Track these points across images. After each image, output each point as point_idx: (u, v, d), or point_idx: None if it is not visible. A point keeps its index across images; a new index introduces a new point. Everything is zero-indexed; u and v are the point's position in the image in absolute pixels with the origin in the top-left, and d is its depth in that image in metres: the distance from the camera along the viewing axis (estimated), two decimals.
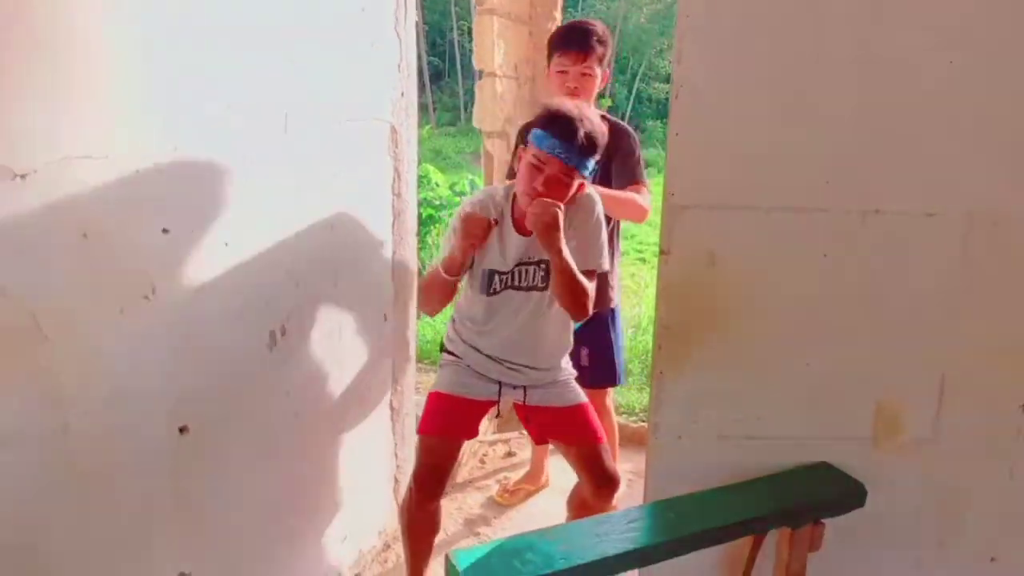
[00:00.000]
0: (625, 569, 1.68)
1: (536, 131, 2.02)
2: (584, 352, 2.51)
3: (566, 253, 2.01)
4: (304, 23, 1.83)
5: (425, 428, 2.18)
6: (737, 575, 1.92)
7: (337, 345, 2.07)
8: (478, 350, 2.20)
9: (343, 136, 2.02)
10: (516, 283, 2.14)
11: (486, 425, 3.31)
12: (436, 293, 2.17)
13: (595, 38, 2.42)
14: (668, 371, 1.92)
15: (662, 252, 1.85)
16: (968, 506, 2.03)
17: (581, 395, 2.25)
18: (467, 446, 3.14)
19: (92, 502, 1.39)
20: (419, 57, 2.75)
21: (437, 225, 7.38)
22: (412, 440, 2.53)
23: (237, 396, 1.75)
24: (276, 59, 1.74)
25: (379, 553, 2.47)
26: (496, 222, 2.12)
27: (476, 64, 3.00)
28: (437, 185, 8.10)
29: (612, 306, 2.65)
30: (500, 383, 2.20)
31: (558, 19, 3.22)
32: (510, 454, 3.26)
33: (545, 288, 2.13)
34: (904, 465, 1.99)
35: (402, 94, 2.22)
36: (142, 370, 1.45)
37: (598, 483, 2.15)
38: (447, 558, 1.48)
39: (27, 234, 1.24)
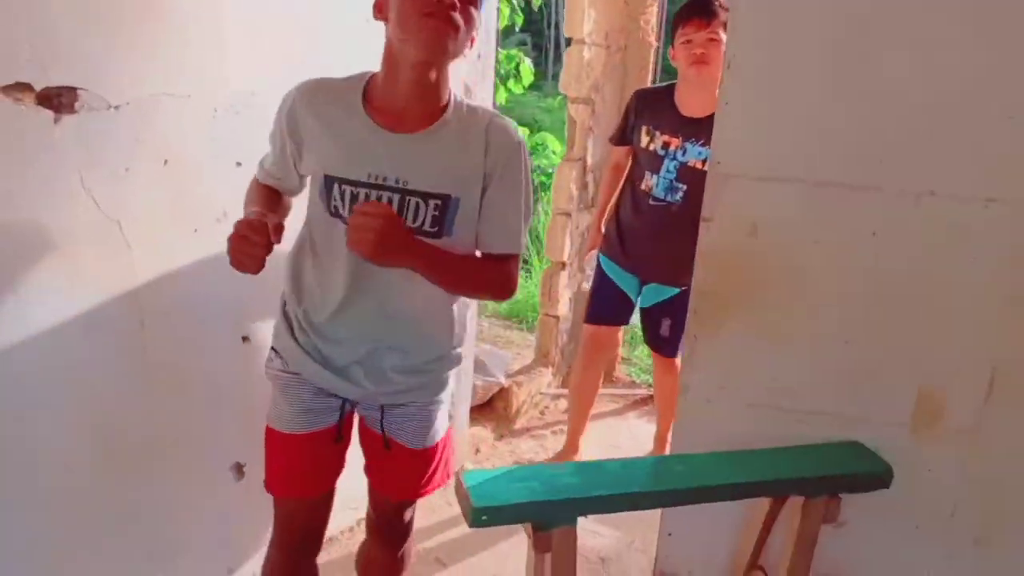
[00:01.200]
0: (621, 509, 1.73)
1: None
2: (666, 323, 2.58)
3: (426, 252, 1.41)
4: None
5: (274, 487, 1.59)
6: (755, 539, 1.94)
7: None
8: (310, 355, 1.52)
9: None
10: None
11: (548, 378, 3.39)
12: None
13: (717, 3, 2.34)
14: (702, 335, 1.93)
15: (703, 219, 1.86)
16: (1010, 505, 1.95)
17: (442, 429, 1.66)
18: (527, 398, 3.25)
19: (161, 391, 1.60)
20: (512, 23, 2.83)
21: (548, 193, 7.29)
22: (468, 378, 2.66)
23: None
24: (351, 18, 1.87)
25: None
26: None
27: (566, 31, 3.04)
28: (554, 153, 7.99)
29: None
30: (345, 401, 1.56)
31: None
32: None
33: (436, 234, 1.44)
34: (943, 455, 1.92)
35: (479, 56, 2.31)
36: (211, 284, 1.65)
37: (389, 539, 1.74)
38: (457, 475, 1.59)
39: (117, 156, 1.43)
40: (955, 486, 1.95)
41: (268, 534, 1.59)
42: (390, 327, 1.49)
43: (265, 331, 1.82)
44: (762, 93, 1.77)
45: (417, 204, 1.38)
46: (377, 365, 1.51)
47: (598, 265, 2.68)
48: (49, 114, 1.27)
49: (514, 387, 3.12)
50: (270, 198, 1.51)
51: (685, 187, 2.42)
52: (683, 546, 2.12)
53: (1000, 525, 1.97)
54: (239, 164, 1.65)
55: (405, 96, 1.36)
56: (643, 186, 2.48)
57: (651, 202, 2.46)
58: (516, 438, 3.01)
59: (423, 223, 1.40)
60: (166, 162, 1.51)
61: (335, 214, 1.41)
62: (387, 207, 1.34)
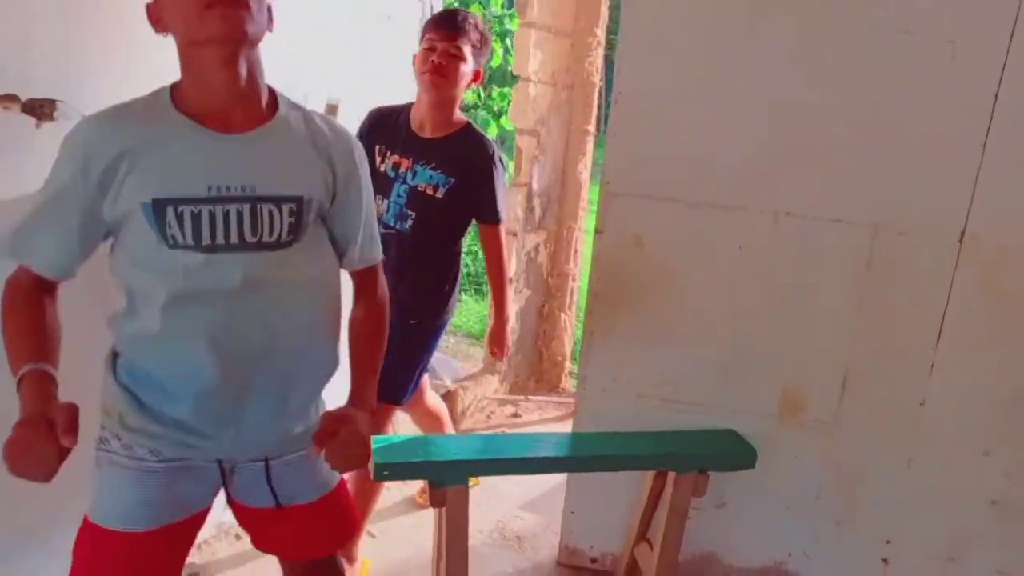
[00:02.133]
0: (501, 473, 2.00)
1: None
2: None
3: (372, 388, 1.34)
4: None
5: None
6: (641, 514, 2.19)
7: None
8: (156, 417, 1.23)
9: None
10: (226, 235, 1.17)
11: (496, 385, 3.64)
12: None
13: (471, 22, 2.12)
14: (597, 332, 2.20)
15: (597, 231, 2.14)
16: (866, 490, 2.20)
17: (334, 472, 1.39)
18: (473, 402, 3.49)
19: None
20: None
21: None
22: None
23: None
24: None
25: None
26: None
27: (513, 70, 3.36)
28: None
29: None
30: (219, 463, 1.28)
31: (599, 36, 3.53)
32: (516, 416, 3.59)
33: (291, 243, 1.22)
34: (806, 443, 2.19)
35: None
36: None
37: None
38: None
39: None
40: (818, 471, 2.21)
41: None
42: (270, 373, 1.25)
43: None
44: (643, 125, 2.06)
45: (271, 212, 1.17)
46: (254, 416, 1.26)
47: None
48: (32, 121, 1.55)
49: (460, 391, 3.37)
50: (40, 320, 1.16)
51: (414, 215, 2.15)
52: (584, 523, 2.36)
53: (859, 509, 2.22)
54: None
55: (223, 97, 1.16)
56: (376, 212, 2.14)
57: (383, 230, 1.89)
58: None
59: (280, 234, 1.19)
60: None
61: (175, 245, 1.14)
62: (351, 418, 1.22)
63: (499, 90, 6.94)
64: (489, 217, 2.23)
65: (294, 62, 2.02)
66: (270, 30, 1.18)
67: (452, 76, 2.07)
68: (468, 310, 5.21)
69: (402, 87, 2.45)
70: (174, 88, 1.20)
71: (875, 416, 2.13)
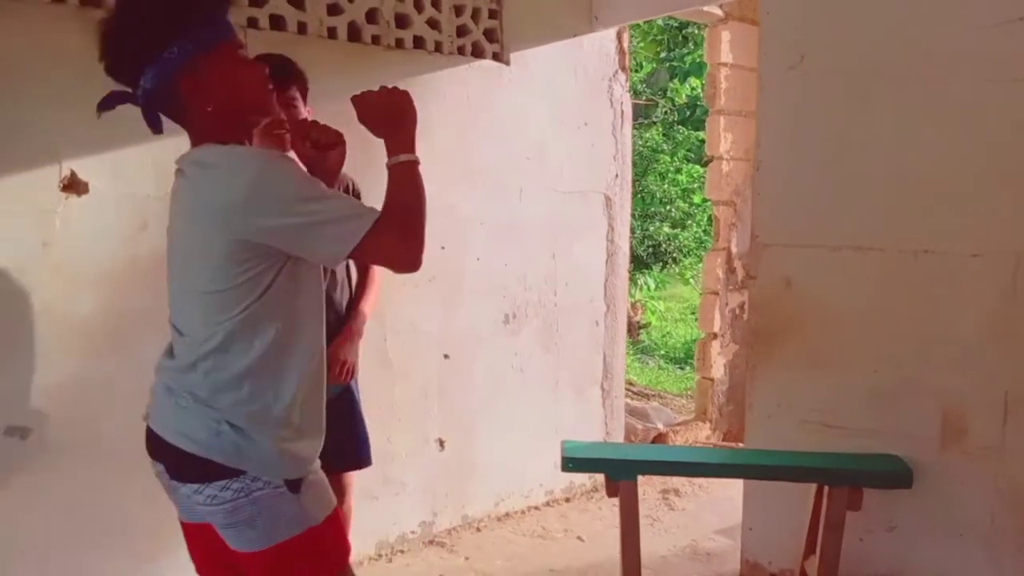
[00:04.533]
0: (667, 473, 2.35)
1: None
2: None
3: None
4: (549, 134, 2.99)
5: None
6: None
7: (553, 334, 3.10)
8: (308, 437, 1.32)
9: (571, 202, 3.12)
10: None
11: (707, 432, 3.94)
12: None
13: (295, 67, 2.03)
14: (759, 365, 2.52)
15: (750, 276, 2.50)
16: None
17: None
18: (683, 444, 3.85)
19: None
20: None
21: None
22: (620, 415, 3.40)
23: (482, 347, 2.91)
24: (525, 152, 2.92)
25: (588, 492, 3.35)
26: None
27: (707, 151, 3.82)
28: None
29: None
30: None
31: None
32: None
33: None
34: (972, 467, 2.25)
35: (616, 175, 3.21)
36: (422, 315, 2.68)
37: None
38: (562, 444, 2.36)
39: None
40: (989, 495, 2.24)
41: None
42: None
43: (463, 352, 2.82)
44: (783, 186, 2.41)
45: None
46: None
47: None
48: None
49: (671, 434, 3.72)
50: None
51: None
52: (761, 539, 2.60)
53: None
54: (443, 248, 2.72)
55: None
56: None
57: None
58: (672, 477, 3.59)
59: None
60: None
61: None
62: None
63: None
64: None
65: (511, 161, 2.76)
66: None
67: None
68: (669, 375, 5.74)
69: (599, 180, 3.11)
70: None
71: None
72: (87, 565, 2.11)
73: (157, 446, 1.27)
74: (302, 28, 2.34)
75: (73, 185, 2.05)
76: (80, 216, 2.06)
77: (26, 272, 2.00)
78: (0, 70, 1.93)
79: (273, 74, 1.75)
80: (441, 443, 2.84)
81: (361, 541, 2.28)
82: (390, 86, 1.31)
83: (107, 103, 1.23)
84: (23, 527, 2.02)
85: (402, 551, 2.79)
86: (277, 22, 2.29)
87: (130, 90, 1.22)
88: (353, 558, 1.42)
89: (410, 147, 1.28)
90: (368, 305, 2.24)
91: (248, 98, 1.26)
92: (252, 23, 2.24)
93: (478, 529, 2.97)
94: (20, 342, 2.01)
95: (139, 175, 2.12)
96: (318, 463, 1.34)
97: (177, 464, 1.24)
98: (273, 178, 1.17)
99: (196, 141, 1.26)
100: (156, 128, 1.25)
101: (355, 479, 2.27)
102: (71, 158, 2.04)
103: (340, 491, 2.08)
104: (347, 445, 2.15)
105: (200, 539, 1.33)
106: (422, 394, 2.78)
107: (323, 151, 1.38)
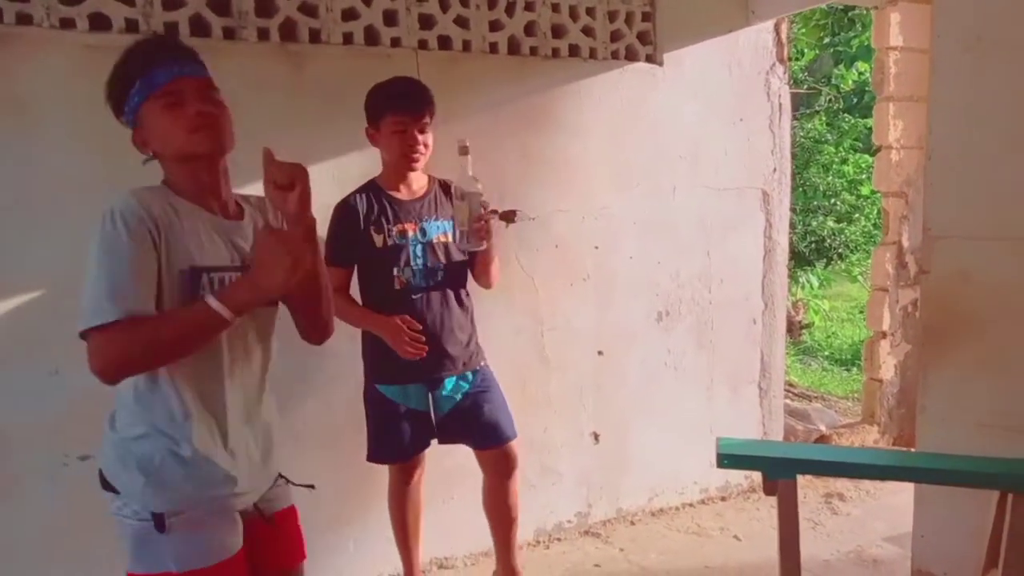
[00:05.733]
0: (828, 474, 2.27)
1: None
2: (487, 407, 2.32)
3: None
4: (703, 132, 2.99)
5: None
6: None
7: (708, 331, 3.07)
8: (203, 461, 1.33)
9: (726, 198, 3.08)
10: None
11: (875, 435, 3.70)
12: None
13: (427, 96, 2.20)
14: (932, 365, 2.37)
15: (922, 271, 2.36)
16: None
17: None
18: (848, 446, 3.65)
19: None
20: None
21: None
22: (779, 416, 3.30)
23: (635, 344, 2.95)
24: (678, 151, 2.95)
25: (745, 492, 3.29)
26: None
27: (875, 140, 3.59)
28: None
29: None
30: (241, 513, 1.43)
31: None
32: None
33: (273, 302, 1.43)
34: None
35: (774, 169, 3.12)
36: (577, 313, 2.78)
37: None
38: (717, 441, 2.35)
39: (534, 242, 2.69)
40: None
41: None
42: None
43: (617, 348, 2.89)
44: (961, 174, 2.26)
45: None
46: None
47: (370, 398, 2.32)
48: (502, 224, 2.51)
49: (835, 436, 3.55)
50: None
51: (443, 263, 2.25)
52: (934, 547, 2.44)
53: None
54: (595, 247, 2.80)
55: (215, 192, 1.38)
56: (396, 285, 2.21)
57: (414, 295, 2.20)
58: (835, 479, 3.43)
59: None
60: (556, 246, 2.72)
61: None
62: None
63: None
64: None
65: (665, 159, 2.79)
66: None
67: (427, 152, 2.23)
68: (834, 377, 5.42)
69: (755, 175, 3.06)
70: (165, 183, 1.37)
71: None
72: None
73: None
74: (467, 46, 2.51)
75: None
76: None
77: None
78: None
79: (408, 103, 2.18)
80: (596, 437, 2.91)
81: (520, 527, 2.40)
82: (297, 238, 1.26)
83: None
84: None
85: (559, 539, 2.89)
86: (444, 42, 2.47)
87: None
88: None
89: (243, 304, 1.26)
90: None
91: (175, 144, 1.32)
92: (422, 45, 2.43)
93: (632, 523, 3.02)
94: None
95: None
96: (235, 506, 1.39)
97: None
98: (101, 227, 1.25)
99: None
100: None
101: (504, 460, 2.32)
102: None
103: (484, 469, 2.34)
104: (481, 426, 2.29)
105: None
106: (577, 389, 2.86)
107: (282, 191, 1.26)
